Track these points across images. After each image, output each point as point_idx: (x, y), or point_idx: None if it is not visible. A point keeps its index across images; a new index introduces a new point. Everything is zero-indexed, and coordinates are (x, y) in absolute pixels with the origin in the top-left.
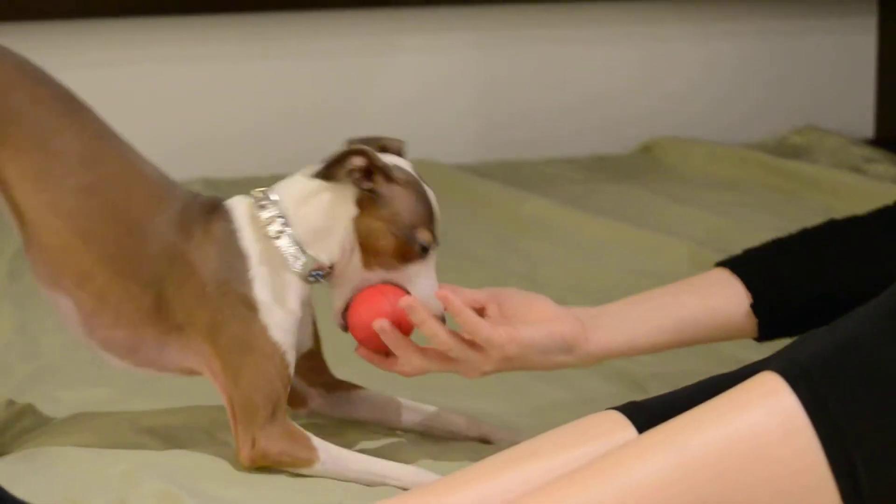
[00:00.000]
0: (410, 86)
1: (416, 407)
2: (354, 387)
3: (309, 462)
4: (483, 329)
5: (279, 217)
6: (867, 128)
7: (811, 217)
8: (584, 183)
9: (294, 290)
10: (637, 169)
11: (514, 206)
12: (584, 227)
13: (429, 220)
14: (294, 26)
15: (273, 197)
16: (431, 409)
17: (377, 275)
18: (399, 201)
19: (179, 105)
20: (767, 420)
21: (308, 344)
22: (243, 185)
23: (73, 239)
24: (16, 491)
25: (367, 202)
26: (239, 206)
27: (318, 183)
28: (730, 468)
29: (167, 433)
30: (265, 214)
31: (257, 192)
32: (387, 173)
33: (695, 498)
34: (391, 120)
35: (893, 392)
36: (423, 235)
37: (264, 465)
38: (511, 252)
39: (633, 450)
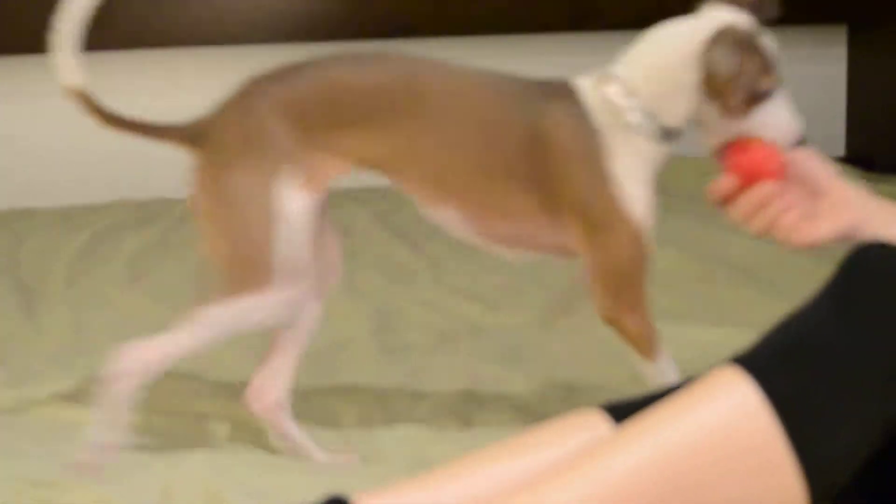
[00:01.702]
0: None
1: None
2: None
3: (651, 356)
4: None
5: (625, 91)
6: (839, 146)
7: None
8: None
9: (648, 159)
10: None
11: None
12: None
13: (767, 66)
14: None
15: (617, 73)
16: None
17: (736, 122)
18: (743, 68)
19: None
20: (729, 407)
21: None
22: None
23: (450, 160)
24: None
25: (707, 66)
26: (584, 85)
27: (659, 56)
28: (699, 453)
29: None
30: (611, 89)
31: (609, 74)
32: (720, 40)
33: (670, 485)
34: None
35: (839, 370)
36: (764, 83)
37: (618, 331)
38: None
39: (610, 444)
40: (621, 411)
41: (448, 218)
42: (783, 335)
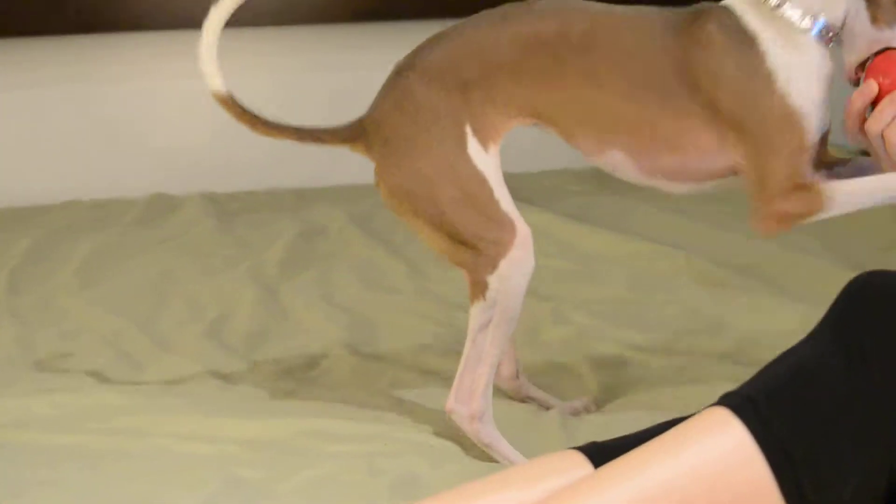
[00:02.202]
0: None
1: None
2: (845, 160)
3: (824, 210)
4: None
5: None
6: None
7: (809, 231)
8: (583, 195)
9: (812, 55)
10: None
11: None
12: (583, 238)
13: None
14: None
15: None
16: None
17: (885, 32)
18: None
19: None
20: (718, 449)
21: (826, 123)
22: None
23: (609, 101)
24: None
25: None
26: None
27: None
28: (684, 498)
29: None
30: None
31: None
32: None
33: None
34: None
35: (835, 414)
36: None
37: (784, 226)
38: None
39: (589, 483)
40: (602, 454)
41: (616, 162)
42: (780, 372)
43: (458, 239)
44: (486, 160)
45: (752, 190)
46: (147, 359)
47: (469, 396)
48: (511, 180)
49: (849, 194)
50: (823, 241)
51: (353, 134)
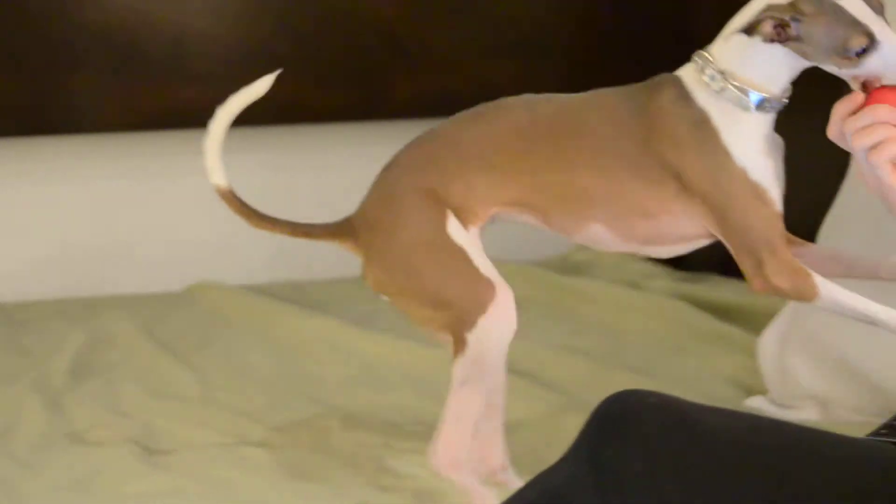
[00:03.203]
0: (198, 206)
1: (860, 258)
2: (804, 243)
3: (811, 297)
4: None
5: (720, 72)
6: None
7: (593, 332)
8: (371, 302)
9: (755, 131)
10: None
11: (299, 326)
12: (369, 345)
13: (854, 25)
14: (70, 149)
15: (709, 57)
16: (881, 261)
17: (854, 68)
18: (817, 32)
19: None
20: None
21: (782, 184)
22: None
23: (582, 180)
24: None
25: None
26: (685, 72)
27: (745, 38)
28: None
29: None
30: (708, 72)
31: (702, 55)
32: (796, 18)
33: None
34: (179, 241)
35: None
36: (855, 43)
37: (775, 295)
38: (296, 372)
39: None
40: None
41: (596, 235)
42: (532, 498)
43: (440, 304)
44: (465, 237)
45: (739, 262)
46: None
47: (448, 448)
48: (301, 288)
49: (837, 303)
50: (607, 342)
51: (343, 229)
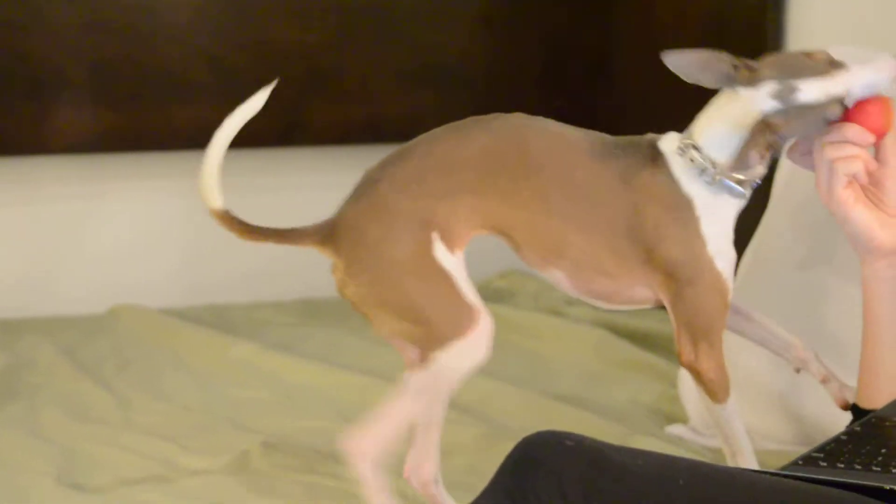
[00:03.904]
0: (119, 230)
1: (759, 320)
2: None
3: (722, 401)
4: None
5: (711, 164)
6: None
7: (516, 359)
8: (291, 327)
9: (732, 213)
10: (345, 313)
11: (220, 351)
12: (290, 370)
13: (827, 108)
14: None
15: (692, 142)
16: (772, 326)
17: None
18: (798, 128)
19: None
20: None
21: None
22: None
23: (557, 225)
24: None
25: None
26: (669, 149)
27: (722, 120)
28: None
29: None
30: (698, 161)
31: (685, 143)
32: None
33: None
34: (99, 264)
35: None
36: (833, 112)
37: (695, 375)
38: (217, 397)
39: None
40: None
41: (555, 279)
42: None
43: (420, 321)
44: (451, 261)
45: (678, 334)
46: None
47: (364, 438)
48: (220, 312)
49: (729, 420)
50: (531, 370)
51: (323, 236)
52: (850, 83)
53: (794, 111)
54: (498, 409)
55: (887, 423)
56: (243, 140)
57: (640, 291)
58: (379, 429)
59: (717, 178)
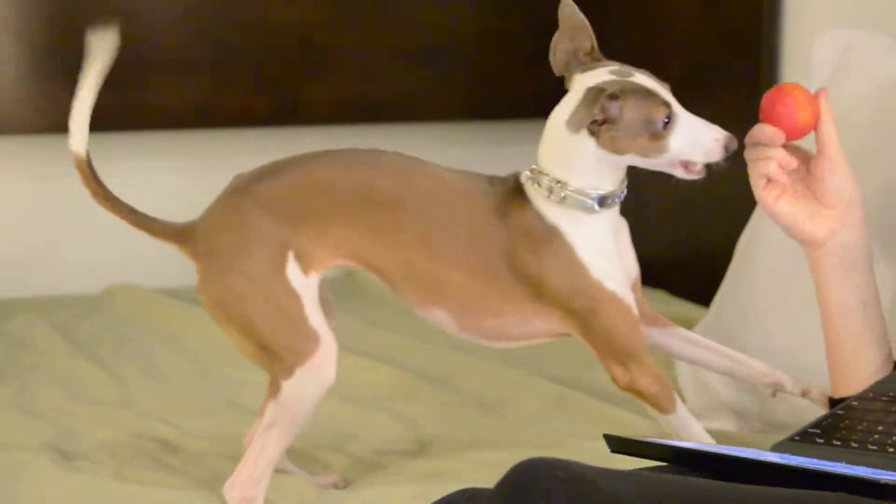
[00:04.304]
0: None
1: (720, 349)
2: (667, 323)
3: (670, 410)
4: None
5: (556, 183)
6: None
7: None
8: None
9: (604, 231)
10: (340, 293)
11: (217, 331)
12: None
13: (653, 99)
14: None
15: (540, 170)
16: (736, 354)
17: (660, 157)
18: (625, 114)
19: None
20: None
21: (634, 271)
22: None
23: (436, 265)
24: None
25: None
26: (528, 185)
27: (566, 143)
28: None
29: None
30: (545, 184)
31: (534, 171)
32: (605, 106)
33: None
34: (95, 243)
35: None
36: (659, 114)
37: (637, 396)
38: (213, 377)
39: None
40: None
41: (438, 319)
42: None
43: (263, 346)
44: (303, 282)
45: (605, 365)
46: None
47: (245, 484)
48: None
49: (684, 425)
50: (527, 350)
51: (183, 236)
52: (681, 112)
53: (627, 95)
54: (497, 394)
55: (884, 398)
56: (238, 119)
57: (539, 326)
58: (251, 471)
59: (563, 195)
